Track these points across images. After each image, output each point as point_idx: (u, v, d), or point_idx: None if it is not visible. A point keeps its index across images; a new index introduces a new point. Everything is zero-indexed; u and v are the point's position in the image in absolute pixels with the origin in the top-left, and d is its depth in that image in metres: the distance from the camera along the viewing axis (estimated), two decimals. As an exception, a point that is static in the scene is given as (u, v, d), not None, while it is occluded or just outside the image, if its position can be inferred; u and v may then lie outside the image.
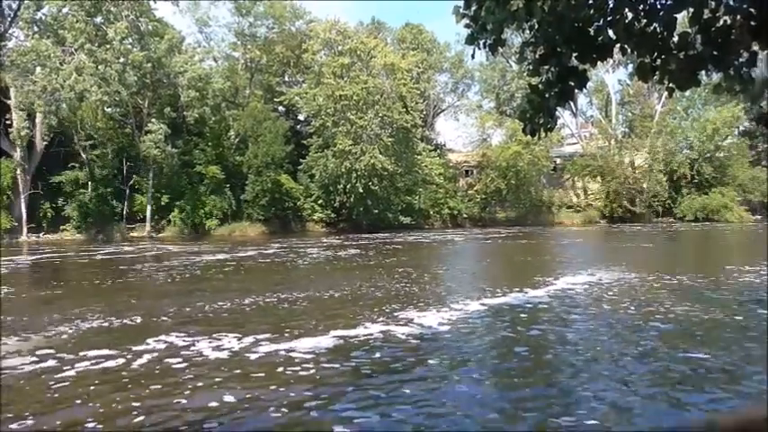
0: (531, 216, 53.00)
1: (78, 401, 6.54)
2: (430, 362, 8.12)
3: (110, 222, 38.30)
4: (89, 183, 37.55)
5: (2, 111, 35.17)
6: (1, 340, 9.05)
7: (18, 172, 35.58)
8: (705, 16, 3.70)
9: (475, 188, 54.14)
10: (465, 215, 51.87)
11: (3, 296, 14.35)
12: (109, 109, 39.57)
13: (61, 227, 37.21)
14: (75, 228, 37.21)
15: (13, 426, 5.83)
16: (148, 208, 39.29)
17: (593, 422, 6.07)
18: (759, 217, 58.31)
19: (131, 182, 39.28)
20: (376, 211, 44.57)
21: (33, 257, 25.34)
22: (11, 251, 28.34)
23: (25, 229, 35.45)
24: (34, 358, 8.26)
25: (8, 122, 35.44)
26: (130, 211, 39.52)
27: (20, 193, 35.51)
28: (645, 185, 57.25)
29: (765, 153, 58.88)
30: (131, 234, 38.61)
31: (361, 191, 42.56)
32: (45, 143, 36.91)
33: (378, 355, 8.35)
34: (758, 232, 39.37)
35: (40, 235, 36.25)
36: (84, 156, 37.44)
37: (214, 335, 9.44)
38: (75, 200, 37.08)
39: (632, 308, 12.14)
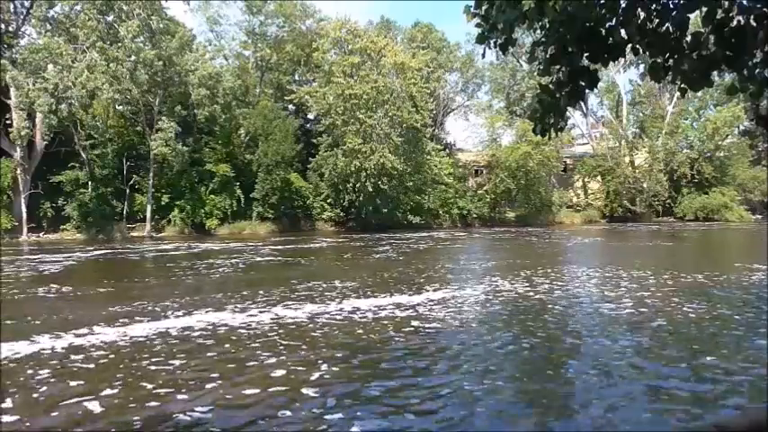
0: (531, 216, 52.79)
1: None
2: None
3: (110, 222, 38.29)
4: (89, 182, 37.53)
5: (2, 111, 35.21)
6: (0, 339, 9.26)
7: (18, 171, 35.61)
8: (718, 16, 3.66)
9: (484, 188, 54.00)
10: (474, 215, 51.68)
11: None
12: (120, 107, 39.77)
13: (61, 226, 37.25)
14: (76, 227, 37.24)
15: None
16: (148, 207, 39.26)
17: (598, 423, 6.06)
18: (759, 216, 58.11)
19: (131, 181, 39.30)
20: (385, 210, 44.54)
21: (86, 255, 26.23)
22: (81, 247, 29.56)
23: (25, 229, 35.46)
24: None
25: (8, 122, 35.46)
26: (130, 211, 39.50)
27: (20, 192, 35.53)
28: (645, 185, 57.15)
29: (766, 152, 58.59)
30: (131, 234, 38.64)
31: (370, 190, 42.51)
32: (45, 143, 36.91)
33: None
34: (761, 231, 39.28)
35: (41, 234, 36.32)
36: (84, 155, 37.43)
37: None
38: (75, 199, 37.03)
39: (648, 305, 12.27)
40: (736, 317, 11.09)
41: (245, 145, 44.41)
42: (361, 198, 43.29)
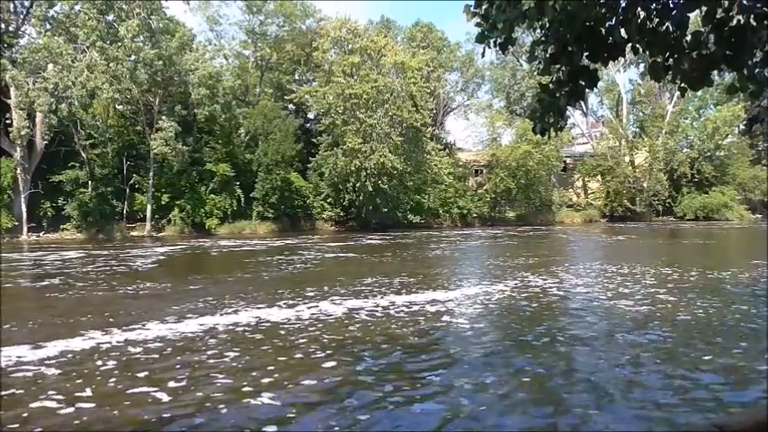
0: (531, 215, 52.80)
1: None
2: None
3: (110, 221, 38.23)
4: (89, 182, 37.45)
5: (2, 110, 35.13)
6: (1, 340, 9.36)
7: (18, 171, 35.51)
8: (718, 15, 3.66)
9: (484, 187, 53.99)
10: (474, 214, 51.67)
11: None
12: (120, 107, 39.74)
13: (61, 226, 37.16)
14: (76, 227, 37.17)
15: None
16: (148, 207, 39.21)
17: (600, 422, 6.07)
18: (759, 216, 58.09)
19: (131, 181, 39.24)
20: (385, 209, 44.51)
21: (163, 249, 28.14)
22: (145, 245, 31.00)
23: (25, 228, 35.41)
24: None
25: (8, 122, 35.37)
26: (130, 211, 39.43)
27: (20, 192, 35.44)
28: (645, 184, 57.17)
29: (766, 152, 58.70)
30: (131, 233, 38.56)
31: (370, 189, 42.48)
32: (45, 142, 36.78)
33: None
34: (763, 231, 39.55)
35: (41, 234, 36.24)
36: (84, 155, 37.35)
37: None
38: (75, 199, 36.94)
39: (675, 302, 12.51)
40: (753, 311, 11.44)
41: (246, 144, 44.38)
42: (361, 197, 43.27)
